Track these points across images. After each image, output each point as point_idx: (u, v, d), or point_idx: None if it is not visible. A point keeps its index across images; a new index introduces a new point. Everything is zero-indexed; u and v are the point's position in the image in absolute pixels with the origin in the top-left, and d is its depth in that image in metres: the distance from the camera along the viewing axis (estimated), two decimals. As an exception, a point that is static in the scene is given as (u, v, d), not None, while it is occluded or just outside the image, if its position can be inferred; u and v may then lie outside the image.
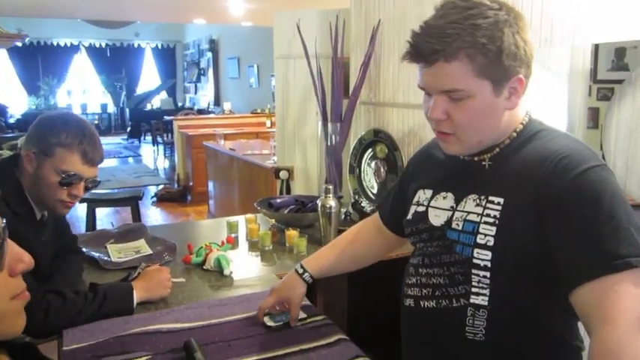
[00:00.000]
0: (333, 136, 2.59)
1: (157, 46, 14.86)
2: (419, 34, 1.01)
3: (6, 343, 1.32)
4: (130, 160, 11.11)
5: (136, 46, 14.67)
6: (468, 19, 0.97)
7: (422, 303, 1.14)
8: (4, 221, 0.69)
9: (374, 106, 2.66)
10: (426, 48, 1.00)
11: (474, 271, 1.04)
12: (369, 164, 2.52)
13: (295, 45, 2.89)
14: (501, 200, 1.03)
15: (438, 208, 1.14)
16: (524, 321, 1.04)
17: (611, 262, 0.89)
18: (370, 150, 2.50)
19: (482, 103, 1.01)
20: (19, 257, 0.71)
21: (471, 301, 1.06)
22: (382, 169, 2.45)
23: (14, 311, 0.71)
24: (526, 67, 1.02)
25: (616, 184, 0.97)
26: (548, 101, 1.74)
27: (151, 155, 10.98)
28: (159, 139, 10.59)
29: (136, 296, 1.55)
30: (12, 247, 0.70)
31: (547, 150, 1.02)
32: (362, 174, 2.54)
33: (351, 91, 2.64)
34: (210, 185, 6.00)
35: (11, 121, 11.45)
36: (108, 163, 10.52)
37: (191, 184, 7.01)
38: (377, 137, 2.45)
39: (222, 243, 2.02)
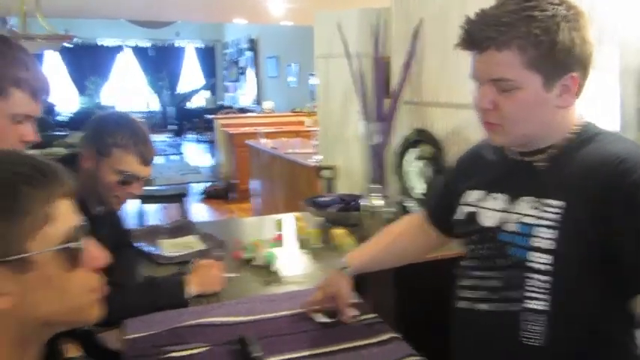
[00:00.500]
0: (376, 136, 2.62)
1: (198, 45, 15.13)
2: (474, 22, 1.01)
3: (68, 332, 1.41)
4: (175, 157, 11.37)
5: (177, 45, 14.96)
6: (525, 11, 0.97)
7: (476, 305, 1.14)
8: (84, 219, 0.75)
9: (417, 106, 2.67)
10: (479, 35, 1.00)
11: (529, 274, 1.04)
12: (413, 164, 2.54)
13: (336, 44, 2.93)
14: (562, 204, 1.02)
15: (488, 209, 1.14)
16: (584, 327, 1.03)
17: None
18: (414, 150, 2.52)
19: (531, 95, 1.00)
20: (96, 254, 0.77)
21: (527, 305, 1.05)
22: (426, 169, 2.47)
23: (90, 303, 0.77)
24: (581, 66, 1.00)
25: None
26: (599, 101, 1.73)
27: (194, 153, 11.19)
28: (201, 138, 10.78)
29: (190, 290, 1.62)
30: (91, 244, 0.77)
31: (606, 153, 1.00)
32: (406, 173, 2.56)
33: (392, 91, 2.66)
34: (254, 183, 6.09)
35: (61, 119, 11.86)
36: (154, 160, 10.76)
37: (235, 182, 7.13)
38: (421, 137, 2.46)
39: (272, 240, 2.08)
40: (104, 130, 1.60)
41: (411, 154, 2.54)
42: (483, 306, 1.12)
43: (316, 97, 3.62)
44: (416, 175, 2.53)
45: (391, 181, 2.65)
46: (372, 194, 2.11)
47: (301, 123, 7.71)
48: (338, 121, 3.22)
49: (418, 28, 2.53)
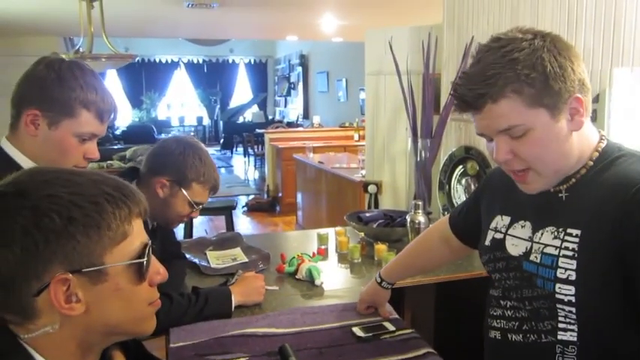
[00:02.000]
0: (423, 152, 2.61)
1: (249, 61, 15.46)
2: (461, 85, 1.01)
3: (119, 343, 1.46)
4: (223, 170, 11.60)
5: (230, 61, 15.35)
6: (505, 57, 0.96)
7: (509, 336, 1.13)
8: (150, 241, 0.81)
9: (465, 123, 2.65)
10: (470, 95, 0.99)
11: (559, 306, 1.02)
12: (459, 181, 2.52)
13: (386, 61, 2.95)
14: (579, 232, 1.00)
15: (515, 237, 1.13)
16: (616, 355, 1.01)
17: None
18: (461, 167, 2.50)
19: (543, 131, 0.98)
20: (157, 270, 0.82)
21: (559, 337, 1.03)
22: (473, 186, 2.44)
23: (149, 315, 0.83)
24: (580, 84, 0.99)
25: None
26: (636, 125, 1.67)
27: (242, 166, 11.40)
28: (250, 151, 10.98)
29: (234, 300, 1.66)
30: (155, 261, 0.83)
31: (625, 178, 0.97)
32: (452, 190, 2.54)
33: (442, 108, 2.65)
34: (299, 197, 6.15)
35: (117, 132, 12.34)
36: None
37: (280, 195, 7.22)
38: (468, 154, 2.44)
39: (313, 254, 2.10)
40: (185, 165, 1.68)
41: (458, 171, 2.51)
42: (516, 337, 1.12)
43: (365, 113, 3.64)
44: (461, 191, 2.50)
45: (435, 197, 2.63)
46: (416, 210, 2.10)
47: (349, 137, 7.75)
48: (385, 137, 3.23)
49: (469, 45, 2.52)
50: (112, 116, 1.40)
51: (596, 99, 1.87)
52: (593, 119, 1.35)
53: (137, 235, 0.78)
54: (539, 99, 0.96)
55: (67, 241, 0.71)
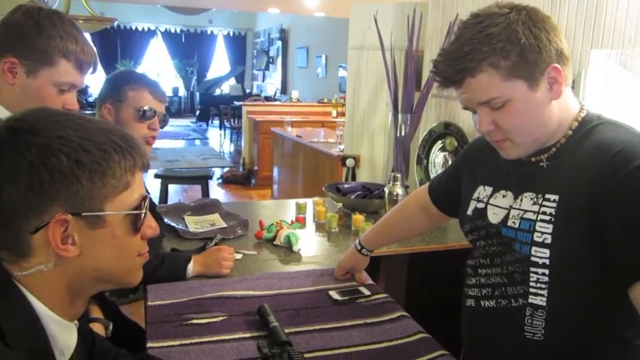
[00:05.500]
0: (403, 127, 2.64)
1: (228, 33, 15.22)
2: (441, 62, 1.05)
3: (96, 298, 1.46)
4: (198, 142, 11.50)
5: (209, 32, 15.08)
6: (482, 32, 1.00)
7: (482, 303, 1.17)
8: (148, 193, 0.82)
9: (445, 100, 2.68)
10: (450, 72, 1.03)
11: (532, 269, 1.05)
12: (437, 156, 2.56)
13: (370, 36, 2.95)
14: (557, 197, 1.03)
15: (496, 206, 1.16)
16: (584, 320, 1.04)
17: None
18: (440, 142, 2.54)
19: (522, 102, 1.02)
20: (150, 224, 0.83)
21: (530, 301, 1.07)
22: (450, 162, 2.48)
23: (138, 266, 0.84)
24: (557, 54, 1.02)
25: None
26: (626, 103, 1.72)
27: (218, 139, 11.31)
28: (226, 124, 10.89)
29: (192, 269, 1.66)
30: (149, 215, 0.83)
31: (601, 145, 1.01)
32: (429, 165, 2.58)
33: (423, 84, 2.68)
34: (275, 170, 6.15)
35: (90, 99, 12.09)
36: (177, 144, 10.94)
37: (256, 168, 7.21)
38: (447, 130, 2.48)
39: (292, 222, 2.12)
40: (117, 82, 1.72)
41: (436, 146, 2.55)
42: (488, 303, 1.16)
43: (345, 87, 3.64)
44: (439, 166, 2.55)
45: (413, 171, 2.67)
46: (395, 182, 2.13)
47: (327, 113, 7.75)
48: (365, 112, 3.25)
49: (454, 23, 2.54)
50: (91, 68, 1.38)
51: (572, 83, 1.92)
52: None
53: (137, 187, 0.79)
54: (515, 71, 1.00)
55: (72, 183, 0.71)
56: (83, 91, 11.83)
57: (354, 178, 3.20)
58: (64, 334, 0.78)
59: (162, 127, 1.79)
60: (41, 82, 1.28)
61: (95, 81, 13.54)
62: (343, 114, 3.63)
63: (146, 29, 14.39)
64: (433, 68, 1.07)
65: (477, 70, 1.00)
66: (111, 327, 1.43)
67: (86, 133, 0.74)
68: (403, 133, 2.62)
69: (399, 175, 2.14)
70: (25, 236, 0.72)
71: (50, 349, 0.75)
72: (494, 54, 0.99)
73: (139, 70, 14.41)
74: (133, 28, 14.22)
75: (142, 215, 0.79)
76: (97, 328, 1.39)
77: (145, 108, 1.69)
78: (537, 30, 1.00)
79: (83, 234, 0.74)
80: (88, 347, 0.93)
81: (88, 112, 7.90)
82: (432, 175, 2.58)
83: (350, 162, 3.18)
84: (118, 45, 14.02)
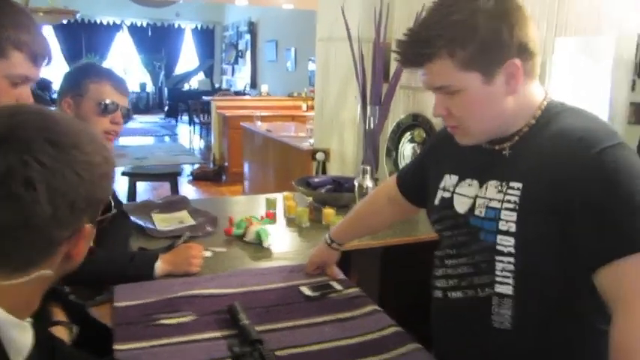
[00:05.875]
0: (372, 119, 2.64)
1: (196, 27, 15.00)
2: (404, 42, 1.06)
3: (60, 300, 1.41)
4: (167, 139, 11.34)
5: (176, 26, 14.84)
6: (445, 17, 1.00)
7: (449, 294, 1.17)
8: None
9: (413, 91, 2.69)
10: (410, 53, 1.05)
11: (497, 257, 1.06)
12: (406, 147, 2.56)
13: (338, 28, 2.93)
14: (520, 185, 1.04)
15: (462, 195, 1.16)
16: (551, 307, 1.05)
17: (629, 243, 0.90)
18: (408, 134, 2.54)
19: (474, 94, 1.02)
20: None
21: (496, 290, 1.07)
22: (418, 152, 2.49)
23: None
24: (519, 50, 1.01)
25: (634, 161, 0.96)
26: (589, 92, 1.75)
27: (187, 135, 11.17)
28: (195, 120, 10.76)
29: (159, 267, 1.61)
30: None
31: (563, 132, 1.02)
32: (398, 157, 2.59)
33: (391, 76, 2.68)
34: (246, 166, 6.10)
35: (55, 96, 11.80)
36: (145, 141, 10.76)
37: (226, 164, 7.14)
38: (415, 121, 2.49)
39: (262, 217, 2.10)
40: (76, 75, 1.70)
41: (405, 138, 2.56)
42: (455, 294, 1.16)
43: (314, 81, 3.62)
44: (408, 157, 2.55)
45: (383, 164, 2.67)
46: (364, 175, 2.13)
47: (297, 107, 7.71)
48: (334, 104, 3.24)
49: (420, 14, 2.54)
50: (46, 60, 1.32)
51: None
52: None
53: None
54: (471, 63, 1.00)
55: (94, 193, 0.73)
56: (47, 87, 11.53)
57: (324, 171, 3.19)
58: (21, 334, 0.75)
59: (125, 122, 1.75)
60: None
61: (59, 77, 13.29)
62: (313, 107, 3.60)
63: (111, 23, 14.07)
64: (396, 47, 1.08)
65: (434, 55, 1.01)
66: (75, 330, 1.39)
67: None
68: (372, 126, 2.62)
69: (368, 168, 2.14)
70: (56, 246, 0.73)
71: (5, 353, 0.72)
72: (452, 43, 1.00)
73: (105, 64, 14.16)
74: (98, 22, 13.90)
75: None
76: (60, 331, 1.35)
77: (107, 101, 1.65)
78: (499, 22, 0.99)
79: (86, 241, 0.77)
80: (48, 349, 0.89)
81: (52, 108, 7.73)
82: (401, 167, 2.59)
83: (320, 156, 3.17)
84: (82, 39, 13.68)
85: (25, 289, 0.73)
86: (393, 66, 2.69)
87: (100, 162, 0.74)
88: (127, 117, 1.74)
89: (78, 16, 12.83)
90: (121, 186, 5.23)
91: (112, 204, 0.79)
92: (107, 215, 0.79)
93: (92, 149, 0.73)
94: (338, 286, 1.55)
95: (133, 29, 14.40)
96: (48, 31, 12.26)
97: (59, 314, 1.40)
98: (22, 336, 0.75)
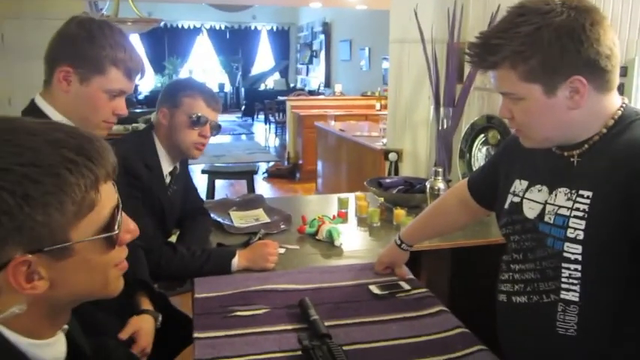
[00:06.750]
0: (445, 121, 2.62)
1: (272, 28, 15.33)
2: (473, 45, 1.09)
3: (147, 290, 1.53)
4: (243, 137, 11.67)
5: (252, 28, 15.24)
6: (513, 28, 1.01)
7: (514, 299, 1.18)
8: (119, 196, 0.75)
9: (488, 93, 2.65)
10: (478, 58, 1.08)
11: (564, 265, 1.06)
12: (480, 150, 2.53)
13: (411, 29, 2.93)
14: (590, 194, 1.04)
15: (532, 200, 1.16)
16: (617, 315, 1.04)
17: None
18: (482, 136, 2.51)
19: (534, 104, 1.04)
20: (127, 228, 0.75)
21: (562, 296, 1.07)
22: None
23: (116, 278, 0.77)
24: (586, 66, 0.99)
25: None
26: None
27: (263, 133, 11.44)
28: (271, 118, 11.01)
29: (237, 263, 1.71)
30: (125, 218, 0.75)
31: (635, 142, 1.01)
32: (472, 159, 2.56)
33: (465, 77, 2.65)
34: (319, 164, 6.19)
35: (140, 97, 12.44)
36: (222, 139, 11.12)
37: (300, 162, 7.27)
38: (490, 123, 2.45)
39: (334, 217, 2.16)
40: (174, 88, 1.85)
41: (479, 140, 2.53)
42: (520, 299, 1.16)
43: (387, 81, 3.63)
44: (482, 159, 2.52)
45: (456, 165, 2.65)
46: (436, 177, 2.13)
47: (371, 107, 7.72)
48: (407, 105, 3.24)
49: (495, 14, 2.50)
50: (139, 75, 1.46)
51: (624, 71, 1.86)
52: (621, 92, 1.33)
53: (106, 200, 0.70)
54: (532, 76, 1.02)
55: (24, 221, 0.62)
56: (134, 90, 12.16)
57: (396, 172, 3.20)
58: (47, 352, 0.72)
59: (213, 135, 1.86)
60: (93, 89, 1.37)
61: (144, 79, 13.99)
62: (387, 106, 3.62)
63: (192, 27, 14.66)
64: (467, 48, 1.12)
65: (498, 64, 1.05)
66: (160, 318, 1.50)
67: (31, 156, 0.63)
68: (445, 127, 2.61)
69: (440, 170, 2.14)
70: None
71: None
72: (515, 55, 1.02)
73: (186, 66, 14.79)
74: (179, 26, 14.52)
75: (116, 232, 0.71)
76: (147, 319, 1.46)
77: (198, 115, 1.77)
78: (566, 39, 0.99)
79: (51, 267, 0.66)
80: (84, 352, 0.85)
81: (138, 110, 8.17)
82: (475, 169, 2.56)
83: (392, 156, 3.18)
84: (165, 43, 14.36)
85: (23, 319, 0.68)
86: (467, 67, 2.66)
87: (31, 191, 0.62)
88: (215, 131, 1.87)
89: (161, 21, 13.54)
90: (200, 183, 5.47)
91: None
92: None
93: (23, 173, 0.62)
94: (406, 286, 1.57)
95: (212, 32, 14.93)
96: (134, 37, 12.97)
97: (146, 303, 1.52)
98: (52, 350, 0.73)
